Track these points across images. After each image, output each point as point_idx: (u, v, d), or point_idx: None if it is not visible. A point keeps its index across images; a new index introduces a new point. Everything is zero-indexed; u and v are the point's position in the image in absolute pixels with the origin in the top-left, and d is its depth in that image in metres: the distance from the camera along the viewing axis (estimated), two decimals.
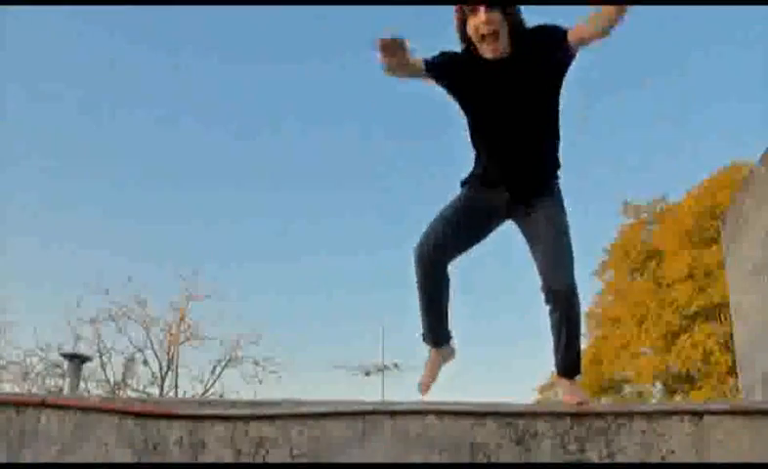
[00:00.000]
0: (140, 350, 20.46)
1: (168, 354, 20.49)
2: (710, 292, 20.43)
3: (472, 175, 2.92)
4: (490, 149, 2.84)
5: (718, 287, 18.82)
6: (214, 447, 2.60)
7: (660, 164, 34.75)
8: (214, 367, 20.60)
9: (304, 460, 2.56)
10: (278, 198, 32.51)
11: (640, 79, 34.13)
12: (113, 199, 29.90)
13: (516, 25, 2.66)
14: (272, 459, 2.57)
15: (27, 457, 2.62)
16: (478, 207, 2.89)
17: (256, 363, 20.55)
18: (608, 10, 2.50)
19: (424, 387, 3.07)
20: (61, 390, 16.24)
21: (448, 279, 2.90)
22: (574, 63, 2.70)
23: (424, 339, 3.02)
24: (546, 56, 2.65)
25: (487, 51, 2.65)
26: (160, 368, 20.46)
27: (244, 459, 2.58)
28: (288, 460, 2.56)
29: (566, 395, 2.77)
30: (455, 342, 3.07)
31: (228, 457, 2.58)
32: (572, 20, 2.67)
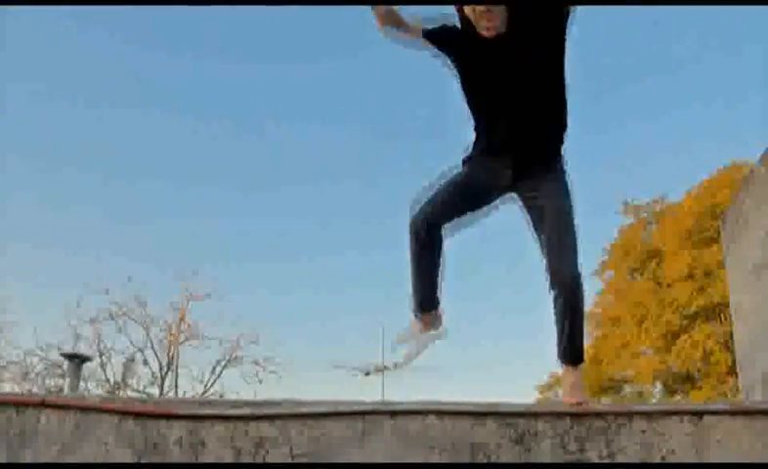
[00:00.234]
0: (140, 350, 20.51)
1: (168, 354, 20.53)
2: (710, 292, 20.44)
3: (474, 151, 2.89)
4: (492, 112, 2.80)
5: (718, 287, 18.84)
6: (214, 447, 2.60)
7: (660, 164, 34.76)
8: (214, 367, 20.64)
9: (304, 460, 2.56)
10: (278, 198, 32.52)
11: (640, 78, 34.08)
12: (113, 199, 29.92)
13: (512, 3, 2.65)
14: (272, 459, 2.57)
15: (27, 457, 2.62)
16: (480, 180, 2.87)
17: (256, 363, 20.59)
18: None
19: (407, 357, 3.05)
20: (61, 390, 16.24)
21: (442, 249, 2.88)
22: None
23: (414, 309, 2.99)
24: (543, 27, 2.65)
25: (484, 30, 2.66)
26: (160, 368, 20.49)
27: (244, 459, 2.57)
28: (288, 460, 2.56)
29: (566, 396, 2.77)
30: (443, 312, 3.03)
31: (228, 457, 2.58)
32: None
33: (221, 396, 19.06)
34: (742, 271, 6.70)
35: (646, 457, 2.48)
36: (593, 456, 2.49)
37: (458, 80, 2.84)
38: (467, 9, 2.65)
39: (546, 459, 2.51)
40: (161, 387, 20.13)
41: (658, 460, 2.48)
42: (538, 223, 2.81)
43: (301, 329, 32.68)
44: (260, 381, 20.44)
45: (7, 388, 18.91)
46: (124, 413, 2.66)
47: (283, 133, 32.29)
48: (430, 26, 2.80)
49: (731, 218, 7.15)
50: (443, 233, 2.88)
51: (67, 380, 11.49)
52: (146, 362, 20.52)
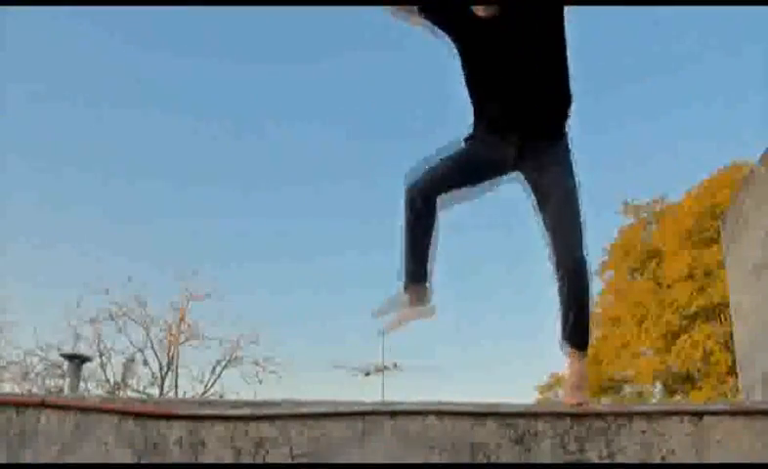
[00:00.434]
0: (140, 350, 20.52)
1: (168, 354, 20.54)
2: (710, 292, 20.45)
3: (475, 129, 2.85)
4: (493, 89, 2.76)
5: (718, 287, 18.83)
6: (214, 447, 2.60)
7: (660, 164, 34.77)
8: (214, 368, 20.65)
9: (304, 460, 2.56)
10: (278, 198, 32.54)
11: (640, 78, 34.10)
12: (113, 199, 29.92)
13: None
14: (272, 459, 2.57)
15: (27, 458, 2.62)
16: (482, 156, 2.84)
17: (256, 364, 20.61)
18: None
19: (390, 325, 3.01)
20: (61, 390, 16.24)
21: (436, 221, 2.85)
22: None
23: (403, 280, 2.94)
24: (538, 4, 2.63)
25: (480, 10, 2.65)
26: (160, 369, 20.50)
27: (244, 459, 2.57)
28: (288, 460, 2.56)
29: (567, 396, 2.77)
30: (432, 290, 2.98)
31: (228, 457, 2.58)
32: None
33: (221, 396, 19.06)
34: (742, 271, 6.70)
35: (646, 458, 2.48)
36: (593, 457, 2.49)
37: (458, 58, 2.80)
38: None
39: (546, 459, 2.50)
40: (161, 387, 20.14)
41: (658, 460, 2.48)
42: (542, 203, 2.76)
43: (301, 329, 32.73)
44: (260, 381, 20.48)
45: (7, 388, 18.92)
46: (124, 414, 2.66)
47: (283, 133, 32.34)
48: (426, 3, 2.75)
49: (731, 218, 7.16)
50: (438, 204, 2.84)
51: (67, 380, 11.51)
52: (146, 363, 20.54)
